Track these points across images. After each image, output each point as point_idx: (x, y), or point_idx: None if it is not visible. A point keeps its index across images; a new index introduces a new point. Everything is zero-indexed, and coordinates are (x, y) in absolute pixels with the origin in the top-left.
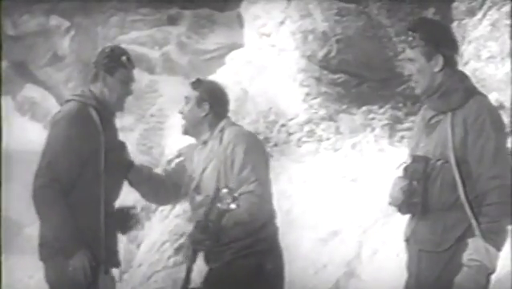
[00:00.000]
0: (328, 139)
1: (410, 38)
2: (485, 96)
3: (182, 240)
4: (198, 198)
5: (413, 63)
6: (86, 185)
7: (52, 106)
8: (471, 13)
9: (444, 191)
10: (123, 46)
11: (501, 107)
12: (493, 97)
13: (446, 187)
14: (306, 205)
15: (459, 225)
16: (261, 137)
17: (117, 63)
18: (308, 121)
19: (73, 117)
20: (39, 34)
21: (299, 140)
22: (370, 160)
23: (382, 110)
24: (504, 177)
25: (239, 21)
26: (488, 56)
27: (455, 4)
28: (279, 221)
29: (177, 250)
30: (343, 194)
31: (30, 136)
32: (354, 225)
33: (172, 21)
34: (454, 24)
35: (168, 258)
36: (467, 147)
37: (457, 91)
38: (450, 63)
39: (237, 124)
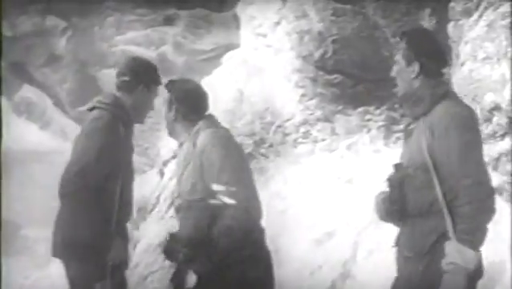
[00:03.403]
0: (324, 140)
1: (397, 39)
2: (453, 101)
3: None
4: (177, 202)
5: (396, 65)
6: (107, 194)
7: (48, 107)
8: (467, 13)
9: (420, 197)
10: (120, 46)
11: (498, 108)
12: (489, 98)
13: (421, 193)
14: (301, 206)
15: (435, 230)
16: (257, 138)
17: (157, 79)
18: (304, 122)
19: (105, 130)
20: (36, 34)
21: (295, 140)
22: (366, 162)
23: (378, 111)
24: (474, 175)
25: (235, 21)
26: (484, 57)
27: (451, 4)
28: (274, 222)
29: None
30: (338, 195)
31: (27, 136)
32: (349, 226)
33: (169, 21)
34: (450, 25)
35: (164, 259)
36: (435, 152)
37: (425, 98)
38: (427, 71)
39: (216, 124)
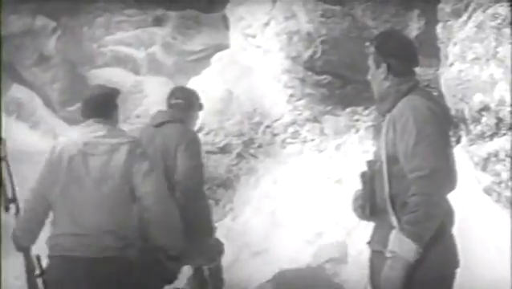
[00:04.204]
0: (313, 140)
1: (367, 44)
2: (416, 95)
3: None
4: None
5: (370, 69)
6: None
7: (38, 107)
8: (456, 14)
9: (383, 191)
10: (109, 46)
11: (486, 108)
12: (478, 98)
13: (382, 187)
14: (290, 207)
15: None
16: (245, 138)
17: (200, 105)
18: (293, 122)
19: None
20: (26, 34)
21: (284, 141)
22: (354, 162)
23: (366, 111)
24: (422, 169)
25: (224, 22)
26: (473, 58)
27: (440, 6)
28: (264, 222)
29: None
30: (327, 195)
31: (17, 136)
32: (338, 226)
33: (158, 22)
34: (439, 25)
35: None
36: (396, 146)
37: (390, 95)
38: (395, 72)
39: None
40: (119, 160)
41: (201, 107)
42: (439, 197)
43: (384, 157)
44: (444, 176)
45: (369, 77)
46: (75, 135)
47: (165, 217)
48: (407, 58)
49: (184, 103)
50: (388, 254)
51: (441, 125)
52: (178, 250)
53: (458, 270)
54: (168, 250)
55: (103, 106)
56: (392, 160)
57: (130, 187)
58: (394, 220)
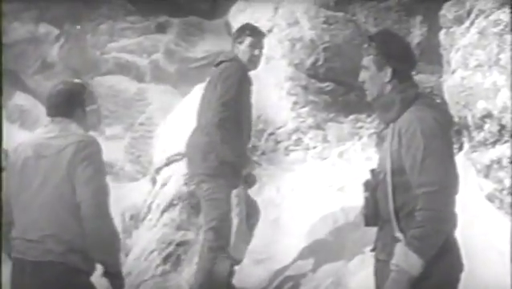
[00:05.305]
0: (315, 147)
1: (366, 46)
2: (422, 105)
3: (170, 249)
4: None
5: (366, 70)
6: (241, 123)
7: (41, 114)
8: (458, 21)
9: (388, 202)
10: (113, 54)
11: (489, 115)
12: (481, 105)
13: (386, 198)
14: (293, 214)
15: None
16: (249, 145)
17: (244, 34)
18: (296, 130)
19: (239, 74)
20: (29, 41)
21: (287, 148)
22: (357, 169)
23: (369, 118)
24: (430, 184)
25: (227, 29)
26: (475, 64)
27: (442, 12)
28: (267, 229)
29: (165, 259)
30: (330, 203)
31: None
32: (341, 233)
33: (161, 29)
34: (442, 32)
35: (156, 266)
36: (402, 158)
37: (394, 104)
38: (400, 76)
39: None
40: (62, 161)
41: (256, 38)
42: (447, 212)
43: (388, 169)
44: (453, 191)
45: (362, 79)
46: (34, 136)
47: (100, 230)
48: (410, 62)
49: (233, 40)
50: (393, 267)
51: (447, 135)
52: (116, 268)
53: (462, 275)
54: (105, 267)
55: (64, 104)
56: (398, 172)
57: (73, 190)
58: (400, 235)
